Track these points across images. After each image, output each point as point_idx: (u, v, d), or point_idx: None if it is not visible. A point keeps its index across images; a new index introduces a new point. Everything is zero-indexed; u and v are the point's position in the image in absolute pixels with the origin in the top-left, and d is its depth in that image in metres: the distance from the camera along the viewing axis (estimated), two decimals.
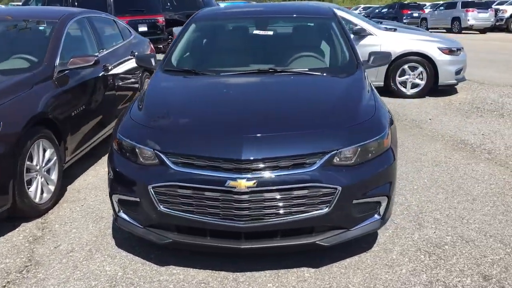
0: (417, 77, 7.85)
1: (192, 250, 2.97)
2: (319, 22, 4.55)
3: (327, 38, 4.37)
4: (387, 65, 7.72)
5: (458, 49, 7.96)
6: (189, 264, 2.99)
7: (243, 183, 2.62)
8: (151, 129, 2.97)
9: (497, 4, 28.90)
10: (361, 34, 7.79)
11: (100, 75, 4.81)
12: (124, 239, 3.32)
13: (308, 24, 4.63)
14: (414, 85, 7.90)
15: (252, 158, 2.65)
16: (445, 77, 7.79)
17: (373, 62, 4.06)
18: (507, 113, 6.81)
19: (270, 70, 3.74)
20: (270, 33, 4.25)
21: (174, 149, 2.78)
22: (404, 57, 7.78)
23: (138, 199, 2.83)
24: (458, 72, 7.90)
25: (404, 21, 33.09)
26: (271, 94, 3.39)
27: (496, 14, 27.44)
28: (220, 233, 2.76)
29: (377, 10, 38.43)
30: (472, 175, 4.45)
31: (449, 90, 8.33)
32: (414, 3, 37.24)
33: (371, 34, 7.82)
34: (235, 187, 2.63)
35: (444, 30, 27.73)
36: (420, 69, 7.77)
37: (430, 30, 29.14)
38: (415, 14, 32.66)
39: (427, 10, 32.20)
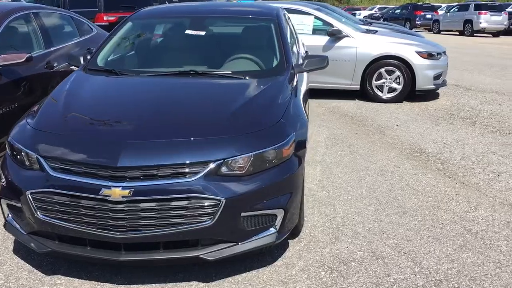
0: (394, 81, 7.64)
1: (73, 260, 2.86)
2: (258, 23, 4.42)
3: (263, 40, 4.23)
4: (363, 68, 7.56)
5: (438, 54, 7.72)
6: (77, 274, 2.89)
7: (118, 191, 2.51)
8: (39, 132, 2.87)
9: None
10: (337, 35, 7.60)
11: (41, 72, 4.74)
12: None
13: (247, 25, 4.50)
14: (391, 90, 7.69)
15: (128, 165, 2.54)
16: (423, 82, 7.57)
17: (306, 66, 3.91)
18: (480, 121, 6.57)
19: (191, 72, 3.62)
20: (202, 33, 4.12)
21: (52, 153, 2.68)
22: (381, 61, 7.58)
23: (20, 205, 2.74)
24: (437, 77, 7.67)
25: (417, 22, 32.67)
26: (175, 99, 3.27)
27: (510, 17, 26.84)
28: (101, 243, 2.65)
29: (391, 11, 37.93)
30: (413, 186, 4.27)
31: (431, 95, 8.11)
32: (428, 4, 36.64)
33: (347, 36, 7.62)
34: (110, 196, 2.51)
35: (457, 33, 27.24)
36: (397, 73, 7.56)
37: (442, 33, 28.71)
38: (428, 16, 32.13)
39: (441, 12, 31.60)
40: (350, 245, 3.26)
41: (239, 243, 2.72)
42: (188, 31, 4.14)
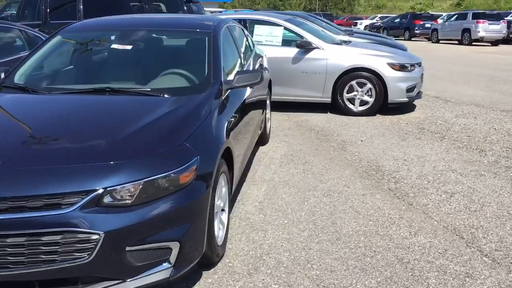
0: (365, 94, 7.39)
1: None
2: (192, 37, 4.21)
3: (195, 54, 4.02)
4: (334, 81, 7.33)
5: (412, 65, 7.49)
6: None
7: None
8: None
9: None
10: (306, 47, 7.37)
11: None
12: None
13: (180, 39, 4.29)
14: (363, 103, 7.45)
15: None
16: (395, 94, 7.32)
17: (237, 82, 3.68)
18: (450, 135, 6.31)
19: (107, 90, 3.41)
20: (129, 47, 3.91)
21: None
22: (352, 73, 7.35)
23: None
24: (410, 90, 7.42)
25: (416, 31, 32.45)
26: (74, 120, 3.05)
27: (509, 26, 26.53)
28: None
29: (391, 21, 37.72)
30: (357, 209, 4.01)
31: (406, 107, 7.85)
32: (427, 14, 36.43)
33: (318, 48, 7.40)
34: None
35: (456, 42, 26.96)
36: (369, 85, 7.32)
37: (441, 42, 28.39)
38: (428, 25, 31.87)
39: (440, 21, 31.34)
40: (267, 277, 3.01)
41: (127, 280, 2.48)
42: (114, 46, 3.93)
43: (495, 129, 6.63)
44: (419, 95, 7.75)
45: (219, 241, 3.11)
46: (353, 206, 4.07)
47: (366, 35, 12.43)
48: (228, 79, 3.71)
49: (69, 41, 4.19)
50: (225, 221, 3.31)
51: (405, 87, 7.32)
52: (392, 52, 7.79)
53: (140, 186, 2.45)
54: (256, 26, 7.64)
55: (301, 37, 7.50)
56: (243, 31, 5.54)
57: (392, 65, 7.29)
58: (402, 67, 7.35)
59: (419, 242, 3.44)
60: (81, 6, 11.26)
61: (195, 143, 2.80)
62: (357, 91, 7.39)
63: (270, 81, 6.10)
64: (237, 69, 4.27)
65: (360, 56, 7.37)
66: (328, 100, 7.51)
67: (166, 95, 3.35)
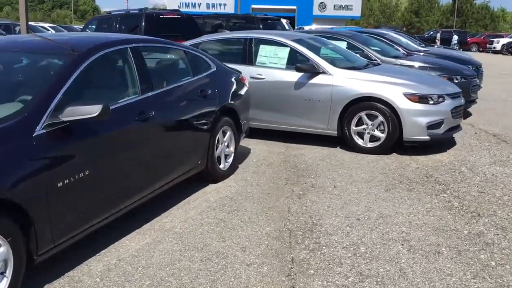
0: (377, 128, 6.21)
1: None
2: (50, 60, 3.66)
3: (35, 82, 3.47)
4: (340, 111, 6.30)
5: (440, 97, 6.14)
6: None
7: None
8: None
9: None
10: (309, 71, 6.42)
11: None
12: None
13: (37, 62, 3.75)
14: (375, 138, 6.26)
15: None
16: (412, 131, 6.04)
17: (65, 116, 3.05)
18: (455, 189, 4.96)
19: None
20: None
21: None
22: (361, 103, 6.24)
23: None
24: (434, 126, 6.08)
25: None
26: None
27: None
28: None
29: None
30: (231, 284, 3.12)
31: (441, 145, 6.45)
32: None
33: (324, 73, 6.41)
34: None
35: None
36: (380, 118, 6.13)
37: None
38: None
39: None
40: None
41: None
42: None
43: None
44: (450, 132, 6.33)
45: None
46: (224, 280, 3.18)
47: (434, 55, 10.86)
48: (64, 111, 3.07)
49: None
50: None
51: (425, 123, 6.00)
52: (418, 81, 6.47)
53: None
54: (261, 46, 6.86)
55: (307, 59, 6.55)
56: (168, 56, 4.86)
57: (409, 96, 6.03)
58: (422, 99, 6.05)
59: None
60: (143, 24, 11.46)
61: None
62: (366, 124, 6.24)
63: (234, 108, 5.30)
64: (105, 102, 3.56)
65: (371, 83, 6.22)
66: (334, 133, 6.45)
67: None
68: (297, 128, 6.66)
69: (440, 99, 6.15)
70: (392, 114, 6.05)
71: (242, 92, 5.62)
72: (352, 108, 6.26)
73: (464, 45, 39.41)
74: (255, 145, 6.66)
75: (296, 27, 33.52)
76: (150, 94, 4.00)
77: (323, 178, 5.30)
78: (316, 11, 48.85)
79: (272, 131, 6.87)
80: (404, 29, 50.99)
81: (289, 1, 47.96)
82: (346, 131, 6.35)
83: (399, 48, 10.39)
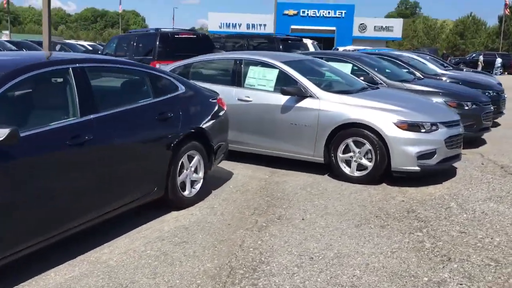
0: (364, 157, 5.82)
1: None
2: None
3: None
4: (326, 137, 5.96)
5: (433, 125, 5.71)
6: None
7: None
8: None
9: None
10: (295, 94, 6.13)
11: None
12: None
13: None
14: (362, 167, 5.87)
15: None
16: (400, 160, 5.62)
17: None
18: (434, 228, 4.52)
19: None
20: None
21: None
22: (348, 129, 5.88)
23: None
24: (425, 156, 5.64)
25: None
26: None
27: None
28: None
29: None
30: None
31: (439, 176, 5.98)
32: None
33: (311, 96, 6.10)
34: None
35: None
36: (368, 146, 5.75)
37: None
38: None
39: None
40: None
41: None
42: None
43: None
44: (445, 163, 5.86)
45: None
46: None
47: (453, 79, 10.34)
48: None
49: None
50: None
51: (414, 152, 5.57)
52: (411, 107, 6.03)
53: None
54: (250, 68, 6.62)
55: (295, 82, 6.25)
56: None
57: (398, 123, 5.62)
58: (413, 126, 5.63)
59: None
60: (157, 43, 11.52)
61: None
62: (353, 152, 5.86)
63: (204, 131, 5.06)
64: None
65: (359, 109, 5.85)
66: (321, 159, 6.10)
67: None
68: (283, 154, 6.35)
69: (434, 127, 5.71)
70: (379, 142, 5.66)
71: (217, 114, 5.38)
72: (339, 134, 5.91)
73: (508, 68, 37.87)
74: (240, 170, 6.39)
75: (333, 48, 33.19)
76: (91, 116, 3.81)
77: (295, 209, 4.96)
78: (356, 32, 48.44)
79: (262, 156, 6.58)
80: (444, 51, 49.57)
81: (328, 22, 47.83)
82: (333, 158, 5.98)
83: (416, 72, 9.94)
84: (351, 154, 5.87)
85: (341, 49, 25.80)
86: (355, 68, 8.34)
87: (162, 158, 4.51)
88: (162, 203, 4.77)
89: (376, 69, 8.45)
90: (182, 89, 4.99)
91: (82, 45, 29.16)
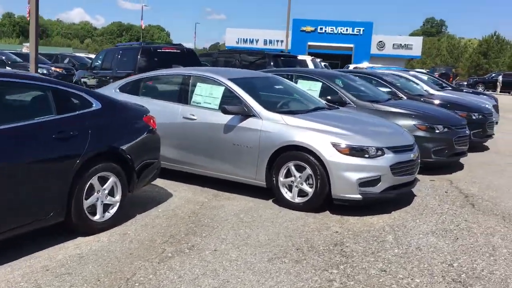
0: (305, 182, 5.41)
1: None
2: None
3: None
4: (267, 160, 5.58)
5: (379, 149, 5.27)
6: None
7: None
8: None
9: None
10: (239, 113, 5.77)
11: None
12: None
13: None
14: (304, 193, 5.46)
15: None
16: (340, 187, 5.20)
17: None
18: (349, 267, 4.07)
19: None
20: None
21: None
22: (288, 152, 5.49)
23: None
24: (368, 184, 5.20)
25: None
26: None
27: None
28: None
29: None
30: None
31: (388, 204, 5.53)
32: None
33: (254, 116, 5.73)
34: None
35: None
36: (308, 171, 5.34)
37: None
38: None
39: None
40: None
41: None
42: None
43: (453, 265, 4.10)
44: (393, 191, 5.40)
45: None
46: None
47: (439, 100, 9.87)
48: None
49: None
50: None
51: (356, 179, 5.13)
52: (357, 130, 5.60)
53: None
54: (198, 84, 6.31)
55: (240, 100, 5.91)
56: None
57: (338, 146, 5.20)
58: (355, 151, 5.21)
59: None
60: (139, 57, 11.39)
61: None
62: (294, 176, 5.46)
63: (123, 151, 4.75)
64: None
65: (301, 130, 5.46)
66: (263, 183, 5.72)
67: None
68: (226, 176, 5.99)
69: (379, 152, 5.27)
70: (320, 166, 5.24)
71: (141, 133, 5.06)
72: (281, 156, 5.53)
73: None
74: (181, 191, 6.05)
75: (345, 66, 32.75)
76: None
77: (213, 238, 4.58)
78: (374, 50, 47.86)
79: (209, 177, 6.22)
80: (454, 71, 48.21)
81: (346, 39, 47.41)
82: (274, 182, 5.58)
83: (398, 92, 9.50)
84: (292, 178, 5.47)
85: (351, 66, 25.37)
86: (324, 86, 7.95)
87: (60, 180, 4.19)
88: (72, 228, 4.45)
89: (347, 89, 8.04)
90: (97, 105, 4.69)
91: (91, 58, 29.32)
